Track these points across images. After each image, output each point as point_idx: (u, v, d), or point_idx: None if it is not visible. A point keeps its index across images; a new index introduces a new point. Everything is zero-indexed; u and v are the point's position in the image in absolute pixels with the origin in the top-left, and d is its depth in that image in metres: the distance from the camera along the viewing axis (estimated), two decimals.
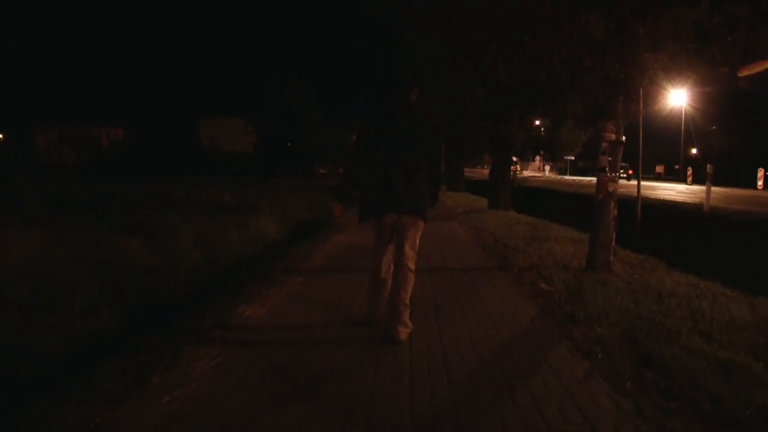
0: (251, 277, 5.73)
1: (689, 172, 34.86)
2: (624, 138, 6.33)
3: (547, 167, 69.89)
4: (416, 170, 3.74)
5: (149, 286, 6.14)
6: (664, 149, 48.80)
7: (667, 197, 17.67)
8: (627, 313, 4.35)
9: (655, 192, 20.64)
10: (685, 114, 43.04)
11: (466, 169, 31.61)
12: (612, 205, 6.31)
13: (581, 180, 35.72)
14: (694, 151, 49.12)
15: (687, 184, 33.69)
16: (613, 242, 6.35)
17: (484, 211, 14.79)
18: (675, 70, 6.09)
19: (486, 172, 23.13)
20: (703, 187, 28.26)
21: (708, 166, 10.10)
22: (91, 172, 41.22)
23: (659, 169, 48.00)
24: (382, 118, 3.83)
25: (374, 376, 3.17)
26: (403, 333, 3.73)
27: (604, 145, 6.27)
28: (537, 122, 16.11)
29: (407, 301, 3.77)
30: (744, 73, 5.98)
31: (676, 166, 49.61)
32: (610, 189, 6.29)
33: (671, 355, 3.36)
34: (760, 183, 27.41)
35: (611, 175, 6.25)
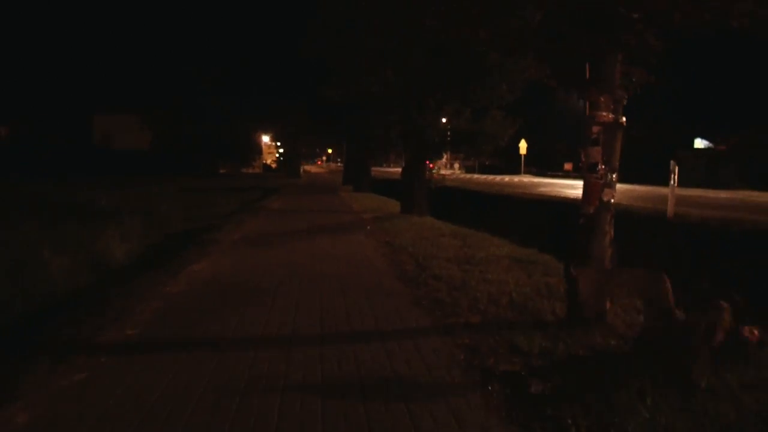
0: None
1: None
2: (624, 119, 4.10)
3: (456, 165, 68.42)
4: None
5: None
6: (565, 146, 48.75)
7: None
8: None
9: (578, 191, 19.30)
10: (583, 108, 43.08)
11: (373, 169, 28.68)
12: (608, 221, 4.06)
13: (494, 179, 34.27)
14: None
15: None
16: None
17: (397, 217, 12.31)
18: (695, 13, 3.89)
19: (393, 171, 20.61)
20: (627, 186, 27.48)
21: (672, 163, 8.21)
22: None
23: (567, 166, 47.65)
24: None
25: None
26: None
27: (595, 130, 4.00)
28: (444, 119, 13.87)
29: None
30: None
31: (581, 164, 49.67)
32: (605, 198, 4.04)
33: None
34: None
35: (606, 177, 4.01)
